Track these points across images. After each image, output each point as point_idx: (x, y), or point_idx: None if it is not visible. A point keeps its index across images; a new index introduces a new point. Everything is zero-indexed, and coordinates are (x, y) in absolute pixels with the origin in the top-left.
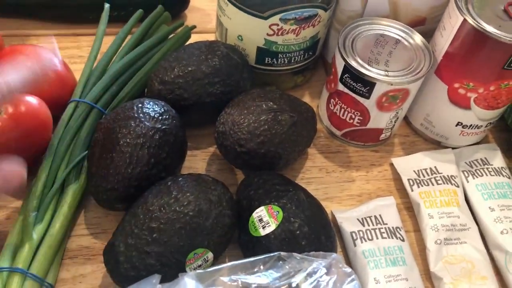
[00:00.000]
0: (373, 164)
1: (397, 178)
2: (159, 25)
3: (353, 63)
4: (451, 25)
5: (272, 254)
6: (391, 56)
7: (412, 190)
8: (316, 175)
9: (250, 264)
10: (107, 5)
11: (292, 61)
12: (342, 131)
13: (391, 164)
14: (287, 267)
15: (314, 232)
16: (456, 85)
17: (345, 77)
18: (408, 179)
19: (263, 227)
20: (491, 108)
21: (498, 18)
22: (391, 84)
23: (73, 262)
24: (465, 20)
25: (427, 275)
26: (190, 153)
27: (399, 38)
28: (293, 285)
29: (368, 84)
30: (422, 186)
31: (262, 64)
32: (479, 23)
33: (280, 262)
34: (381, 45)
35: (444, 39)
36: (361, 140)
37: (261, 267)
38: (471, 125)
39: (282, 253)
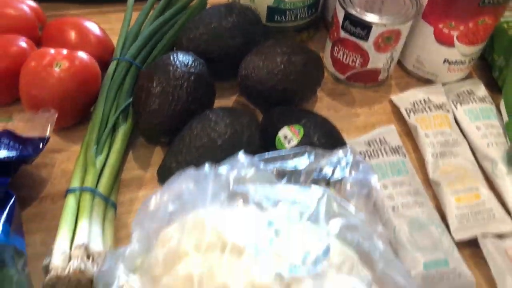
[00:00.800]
0: (374, 102)
1: (396, 111)
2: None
3: (352, 11)
4: None
5: (299, 148)
6: (383, 4)
7: (409, 117)
8: (326, 114)
9: (282, 156)
10: None
11: (298, 17)
12: (346, 75)
13: (390, 101)
14: (312, 157)
15: (330, 143)
16: (441, 25)
17: (346, 24)
18: (405, 109)
19: (288, 142)
20: (471, 44)
21: None
22: (385, 26)
23: (127, 189)
24: None
25: (427, 183)
26: (216, 101)
27: None
28: (321, 167)
29: (366, 28)
30: (417, 113)
31: (272, 22)
32: None
33: (307, 153)
34: None
35: None
36: (362, 81)
37: (292, 157)
38: (456, 61)
39: (308, 147)
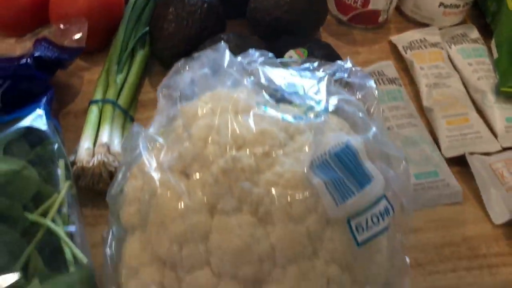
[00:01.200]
0: (374, 42)
1: (394, 51)
2: None
3: None
4: None
5: (303, 59)
6: None
7: (406, 53)
8: None
9: (289, 62)
10: None
11: None
12: (348, 16)
13: (389, 42)
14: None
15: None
16: None
17: None
18: (403, 46)
19: None
20: None
21: None
22: None
23: (144, 109)
24: None
25: (421, 112)
26: None
27: None
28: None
29: None
30: (414, 50)
31: None
32: None
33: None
34: None
35: None
36: (363, 23)
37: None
38: (451, 4)
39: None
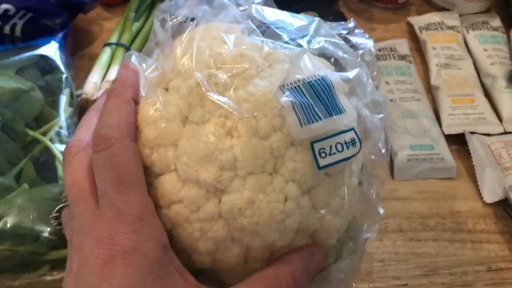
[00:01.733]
0: (392, 21)
1: (410, 31)
2: None
3: None
4: None
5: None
6: None
7: (421, 33)
8: None
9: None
10: None
11: None
12: None
13: (407, 23)
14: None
15: None
16: None
17: None
18: (419, 27)
19: None
20: None
21: None
22: None
23: None
24: None
25: (428, 90)
26: None
27: None
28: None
29: None
30: (429, 31)
31: None
32: None
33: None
34: None
35: None
36: (383, 2)
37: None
38: None
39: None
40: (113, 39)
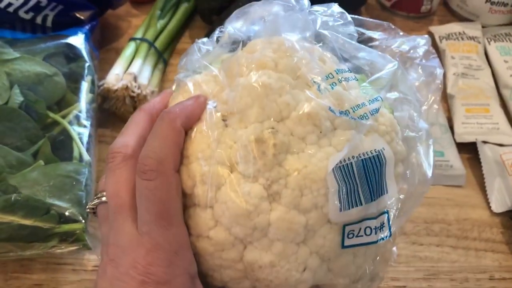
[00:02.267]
0: (413, 30)
1: (432, 40)
2: None
3: None
4: None
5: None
6: None
7: (441, 42)
8: None
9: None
10: None
11: None
12: (391, 1)
13: (429, 32)
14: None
15: None
16: None
17: None
18: (439, 36)
19: None
20: None
21: None
22: None
23: (179, 55)
24: None
25: (444, 99)
26: None
27: None
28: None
29: None
30: (449, 40)
31: None
32: None
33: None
34: None
35: None
36: (405, 10)
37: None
38: (498, 1)
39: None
40: (138, 35)
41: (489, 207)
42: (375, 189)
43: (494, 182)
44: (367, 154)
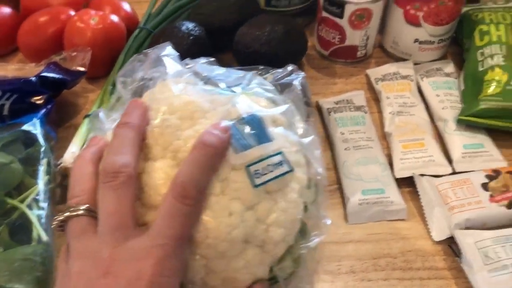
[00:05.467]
0: (352, 74)
1: (369, 82)
2: None
3: None
4: None
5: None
6: None
7: (377, 84)
8: (309, 81)
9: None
10: None
11: (292, 3)
12: (329, 51)
13: (366, 74)
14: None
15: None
16: (408, 7)
17: (325, 4)
18: (375, 78)
19: None
20: (437, 24)
21: None
22: (356, 4)
23: None
24: None
25: (383, 137)
26: None
27: None
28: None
29: (340, 6)
30: (384, 81)
31: (270, 6)
32: None
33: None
34: None
35: None
36: (343, 57)
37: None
38: (425, 40)
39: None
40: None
41: (431, 237)
42: (261, 136)
43: (433, 212)
44: (245, 114)
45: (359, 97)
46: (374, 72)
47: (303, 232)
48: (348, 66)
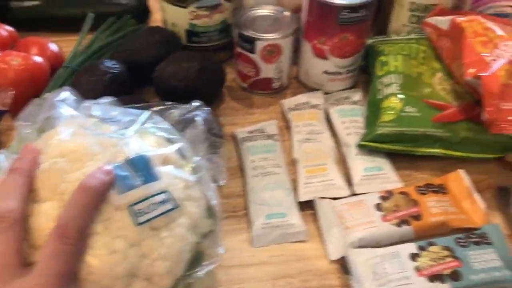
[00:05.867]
0: (269, 105)
1: (283, 112)
2: (127, 27)
3: (242, 30)
4: (305, 2)
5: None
6: (270, 26)
7: (289, 114)
8: (228, 112)
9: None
10: (91, 14)
11: (212, 39)
12: (247, 83)
13: (281, 105)
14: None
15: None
16: (315, 41)
17: (239, 41)
18: (288, 108)
19: None
20: (342, 57)
21: None
22: (266, 40)
23: None
24: None
25: (292, 163)
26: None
27: (277, 16)
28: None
29: (251, 42)
30: (296, 111)
31: (191, 42)
32: None
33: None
34: (264, 20)
35: (304, 13)
36: (260, 89)
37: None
38: (333, 72)
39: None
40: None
41: (328, 256)
42: (147, 175)
43: (331, 232)
44: (133, 155)
45: (272, 126)
46: (288, 102)
47: (196, 261)
48: (266, 97)
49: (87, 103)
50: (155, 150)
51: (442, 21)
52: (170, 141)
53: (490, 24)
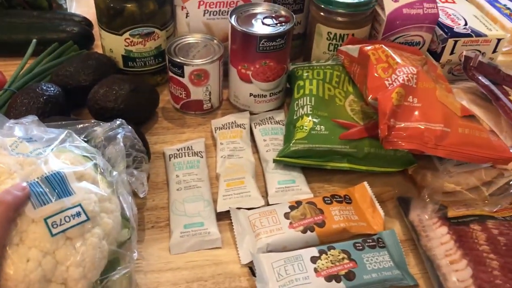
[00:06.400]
0: (200, 124)
1: (211, 131)
2: (69, 52)
3: (172, 56)
4: (229, 30)
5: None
6: (199, 52)
7: (215, 133)
8: (161, 131)
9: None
10: (34, 40)
11: (147, 64)
12: (179, 104)
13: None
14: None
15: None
16: (240, 67)
17: (170, 66)
18: (215, 127)
19: None
20: (264, 81)
21: (250, 22)
22: (193, 66)
23: None
24: (232, 25)
25: (216, 177)
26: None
27: (206, 43)
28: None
29: (180, 67)
30: (222, 130)
31: (127, 67)
32: (239, 25)
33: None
34: (194, 47)
35: (229, 41)
36: (192, 110)
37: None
38: (258, 94)
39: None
40: None
41: (240, 261)
42: (62, 191)
43: (244, 239)
44: (49, 173)
45: (199, 144)
46: (216, 122)
47: (112, 267)
48: (198, 117)
49: (10, 123)
50: (71, 168)
51: (353, 49)
52: (87, 158)
53: (391, 52)
